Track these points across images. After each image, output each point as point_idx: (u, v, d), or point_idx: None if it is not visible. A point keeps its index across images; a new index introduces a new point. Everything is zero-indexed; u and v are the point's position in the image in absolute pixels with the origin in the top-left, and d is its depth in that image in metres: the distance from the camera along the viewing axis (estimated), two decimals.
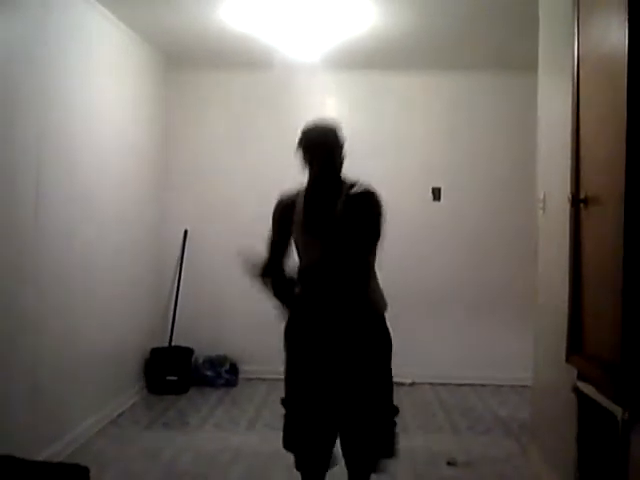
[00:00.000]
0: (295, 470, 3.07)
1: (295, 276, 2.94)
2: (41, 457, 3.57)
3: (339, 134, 2.95)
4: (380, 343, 2.98)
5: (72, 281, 4.11)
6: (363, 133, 5.98)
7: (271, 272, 2.95)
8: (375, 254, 2.96)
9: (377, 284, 3.01)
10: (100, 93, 4.55)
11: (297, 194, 2.98)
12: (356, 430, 2.94)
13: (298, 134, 2.96)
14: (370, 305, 2.95)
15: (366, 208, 2.87)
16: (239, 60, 5.62)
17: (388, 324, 3.01)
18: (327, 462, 3.01)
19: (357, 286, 2.90)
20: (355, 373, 2.90)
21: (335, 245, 2.85)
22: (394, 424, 3.03)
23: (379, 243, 2.92)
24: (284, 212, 3.00)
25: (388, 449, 3.00)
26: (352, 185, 2.92)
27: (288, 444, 3.04)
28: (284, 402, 3.07)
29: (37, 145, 3.67)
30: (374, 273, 2.98)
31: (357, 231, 2.83)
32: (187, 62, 5.87)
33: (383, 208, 2.90)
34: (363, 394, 2.91)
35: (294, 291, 2.93)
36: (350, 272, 2.88)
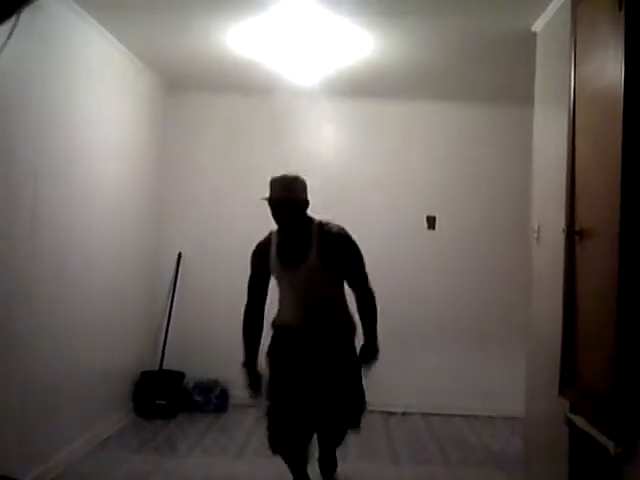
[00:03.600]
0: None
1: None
2: (28, 478, 3.52)
3: (302, 187, 3.35)
4: (349, 358, 3.47)
5: (65, 301, 4.09)
6: (358, 160, 6.03)
7: (251, 314, 3.50)
8: (343, 284, 3.47)
9: (346, 309, 3.52)
10: (99, 114, 4.57)
11: (270, 239, 3.45)
12: (332, 423, 3.52)
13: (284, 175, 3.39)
14: (340, 330, 3.48)
15: (345, 250, 3.36)
16: (238, 84, 5.66)
17: (355, 344, 3.49)
18: (307, 454, 3.52)
19: (329, 313, 3.45)
20: (331, 384, 3.40)
21: (312, 278, 3.33)
22: (363, 392, 3.55)
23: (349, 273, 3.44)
24: (262, 256, 3.45)
25: (354, 422, 3.56)
26: (321, 224, 3.36)
27: (275, 448, 3.47)
28: (269, 411, 3.48)
29: (35, 165, 3.67)
30: (343, 299, 3.50)
31: (340, 268, 3.37)
32: (186, 85, 5.91)
33: (356, 246, 3.40)
34: (339, 397, 3.41)
35: (257, 369, 3.49)
36: (323, 300, 3.42)
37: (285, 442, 3.45)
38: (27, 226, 3.61)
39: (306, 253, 3.31)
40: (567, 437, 3.04)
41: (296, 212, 3.32)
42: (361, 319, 3.45)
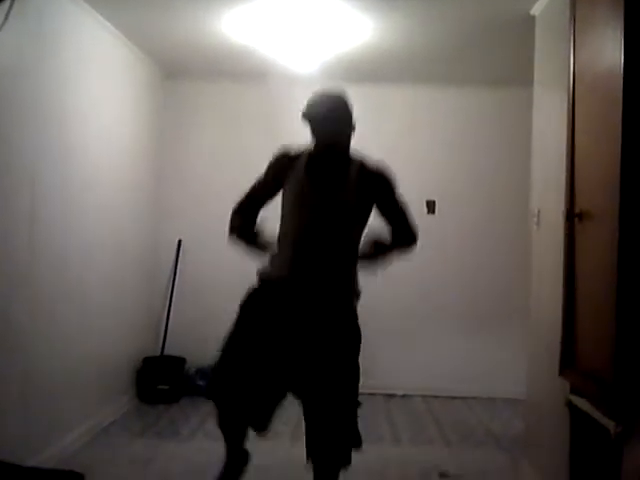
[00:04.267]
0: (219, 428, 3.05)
1: (263, 234, 2.85)
2: (31, 464, 3.54)
3: (348, 104, 2.88)
4: (350, 339, 2.83)
5: (65, 289, 4.10)
6: (359, 145, 6.01)
7: (242, 219, 2.95)
8: (361, 237, 2.86)
9: (357, 272, 2.88)
10: (96, 103, 4.55)
11: (301, 153, 2.86)
12: (320, 420, 2.80)
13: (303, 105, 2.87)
14: (348, 298, 2.83)
15: (387, 186, 2.85)
16: (236, 71, 5.64)
17: (359, 321, 2.87)
18: (251, 421, 2.95)
19: (343, 271, 2.80)
20: (321, 362, 2.74)
21: (337, 214, 2.74)
22: (356, 416, 2.90)
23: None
24: (284, 164, 2.86)
25: (354, 439, 2.88)
26: (361, 161, 2.85)
27: (211, 391, 2.95)
28: (222, 349, 2.88)
29: (33, 158, 3.66)
30: (357, 259, 2.85)
31: (387, 206, 2.85)
32: (184, 73, 5.89)
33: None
34: (328, 385, 2.76)
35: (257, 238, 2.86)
36: (341, 251, 2.78)
37: (227, 386, 2.83)
38: (26, 215, 3.61)
39: (343, 182, 2.78)
40: (567, 418, 3.07)
41: (345, 129, 2.85)
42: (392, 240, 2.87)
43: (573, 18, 2.99)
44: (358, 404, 2.92)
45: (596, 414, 2.68)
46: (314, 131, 2.80)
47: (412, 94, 6.02)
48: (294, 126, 5.91)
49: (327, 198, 2.74)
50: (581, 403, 2.86)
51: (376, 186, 2.82)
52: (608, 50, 2.59)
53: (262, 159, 6.49)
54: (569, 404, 3.01)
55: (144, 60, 5.43)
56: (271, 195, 2.92)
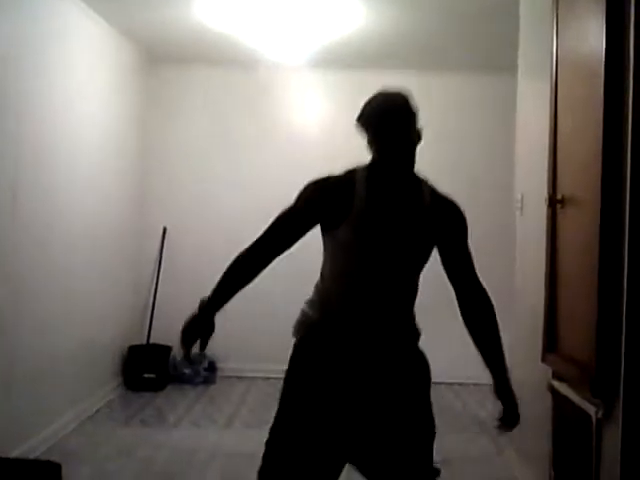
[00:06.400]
0: None
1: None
2: (16, 453, 3.54)
3: (412, 104, 2.22)
4: (422, 383, 2.20)
5: (49, 277, 4.08)
6: (347, 133, 5.96)
7: (252, 258, 2.12)
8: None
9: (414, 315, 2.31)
10: (79, 90, 4.51)
11: (352, 177, 2.11)
12: None
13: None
14: (412, 340, 2.24)
15: (462, 226, 2.22)
16: (221, 57, 5.60)
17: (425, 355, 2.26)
18: None
19: (406, 311, 2.24)
20: (394, 431, 2.08)
21: (412, 249, 2.12)
22: None
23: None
24: (332, 198, 2.06)
25: None
26: (430, 184, 2.21)
27: None
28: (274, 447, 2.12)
29: (15, 143, 3.63)
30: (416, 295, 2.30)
31: (456, 253, 2.22)
32: (168, 58, 5.84)
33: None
34: (403, 455, 2.10)
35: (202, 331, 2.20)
36: (406, 292, 2.22)
37: None
38: (8, 204, 3.58)
39: (418, 209, 2.12)
40: (550, 403, 3.09)
41: (413, 133, 2.16)
42: (479, 341, 2.26)
43: (556, 3, 2.98)
44: (437, 473, 2.20)
45: (577, 399, 2.71)
46: (375, 142, 2.11)
47: (401, 81, 5.87)
48: (281, 112, 5.95)
49: (402, 229, 2.08)
50: (563, 388, 2.88)
51: (449, 220, 2.18)
52: (590, 35, 2.59)
53: (247, 145, 6.49)
54: (551, 389, 3.03)
55: (127, 46, 5.38)
56: (302, 233, 2.10)
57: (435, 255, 2.21)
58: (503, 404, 2.27)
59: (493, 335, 2.23)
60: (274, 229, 2.10)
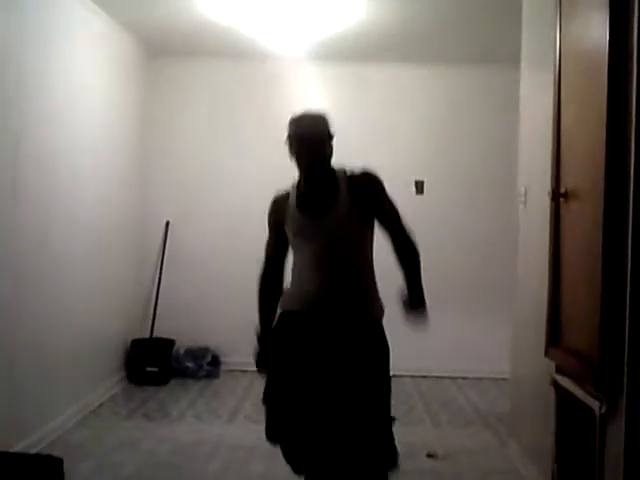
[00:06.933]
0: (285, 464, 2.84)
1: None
2: (19, 447, 3.55)
3: (328, 124, 2.78)
4: (377, 351, 2.71)
5: (53, 271, 4.08)
6: (347, 126, 5.96)
7: (268, 279, 2.86)
8: (372, 245, 2.80)
9: (374, 283, 2.81)
10: (82, 83, 4.50)
11: (290, 191, 2.82)
12: (352, 440, 2.61)
13: (286, 126, 2.77)
14: (367, 310, 2.75)
15: (376, 187, 2.73)
16: (223, 50, 5.59)
17: (385, 331, 2.74)
18: (317, 458, 2.70)
19: (356, 285, 2.74)
20: (351, 381, 2.63)
21: (339, 232, 2.69)
22: (391, 433, 2.71)
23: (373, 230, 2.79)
24: (278, 210, 2.82)
25: (389, 459, 2.68)
26: (344, 170, 2.77)
27: (270, 435, 2.84)
28: (265, 398, 2.83)
29: (16, 135, 3.62)
30: (372, 269, 2.81)
31: (373, 210, 2.72)
32: (169, 51, 5.82)
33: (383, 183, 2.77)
34: (359, 402, 2.62)
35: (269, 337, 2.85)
36: (350, 265, 2.74)
37: (282, 431, 2.79)
38: (9, 196, 3.58)
39: (334, 200, 2.70)
40: (553, 397, 3.08)
41: (324, 148, 2.74)
42: (403, 267, 2.80)
43: None
44: (392, 419, 2.72)
45: (581, 394, 2.69)
46: (296, 159, 2.74)
47: (401, 73, 5.98)
48: (280, 105, 5.93)
49: (325, 219, 2.69)
50: (566, 383, 2.87)
51: (365, 189, 2.72)
52: (594, 26, 2.57)
53: (248, 138, 6.48)
54: (554, 384, 3.02)
55: (129, 39, 5.37)
56: (285, 241, 2.83)
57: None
58: (409, 291, 2.74)
59: (413, 265, 2.81)
60: (266, 241, 2.88)
